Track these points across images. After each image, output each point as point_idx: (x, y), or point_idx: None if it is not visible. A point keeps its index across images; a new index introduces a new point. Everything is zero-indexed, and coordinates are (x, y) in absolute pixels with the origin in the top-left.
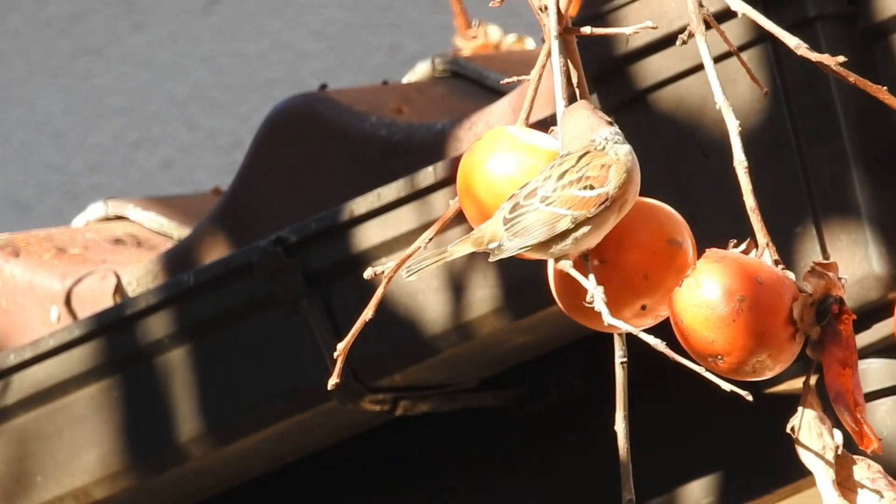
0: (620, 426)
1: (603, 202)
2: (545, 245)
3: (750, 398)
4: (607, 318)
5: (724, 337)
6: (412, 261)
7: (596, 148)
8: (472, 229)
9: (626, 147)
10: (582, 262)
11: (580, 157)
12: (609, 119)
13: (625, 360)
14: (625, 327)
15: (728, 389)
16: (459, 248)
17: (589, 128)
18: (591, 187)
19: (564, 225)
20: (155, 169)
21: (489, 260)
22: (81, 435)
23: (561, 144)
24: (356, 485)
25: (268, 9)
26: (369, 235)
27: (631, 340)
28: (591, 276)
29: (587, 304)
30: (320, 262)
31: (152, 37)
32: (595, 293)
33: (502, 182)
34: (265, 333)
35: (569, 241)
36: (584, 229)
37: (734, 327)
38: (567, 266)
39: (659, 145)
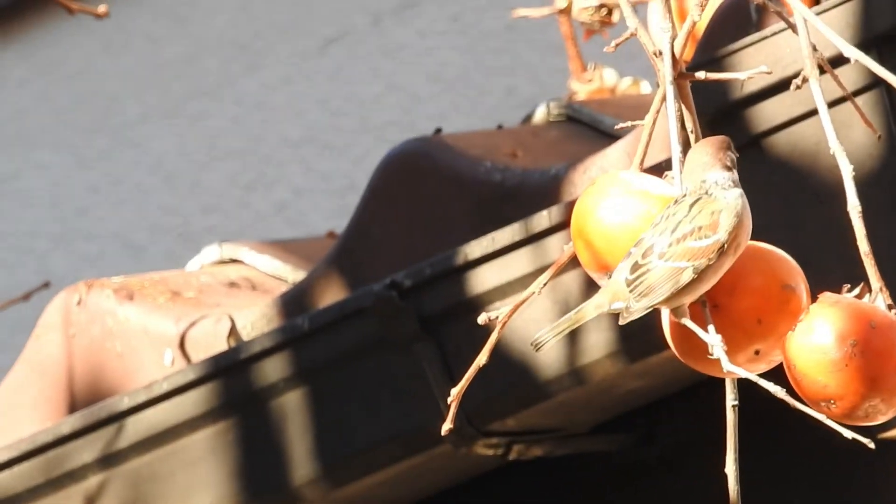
0: (731, 469)
1: (719, 249)
2: (670, 299)
3: (872, 445)
4: (727, 366)
5: (836, 381)
6: (539, 334)
7: (706, 192)
8: (585, 274)
9: (736, 191)
10: (699, 307)
11: (692, 205)
12: (731, 160)
13: (736, 403)
14: (744, 374)
15: (850, 437)
16: (584, 314)
17: (702, 167)
18: (706, 236)
19: (687, 277)
20: (269, 211)
21: (620, 323)
22: (195, 478)
23: (682, 177)
24: None
25: (382, 51)
26: (484, 279)
27: (742, 385)
28: (711, 326)
29: (708, 356)
30: (434, 305)
31: (266, 79)
32: (714, 342)
33: (616, 228)
34: (379, 377)
35: (691, 290)
36: (705, 277)
37: (847, 372)
38: (685, 318)
39: (773, 190)
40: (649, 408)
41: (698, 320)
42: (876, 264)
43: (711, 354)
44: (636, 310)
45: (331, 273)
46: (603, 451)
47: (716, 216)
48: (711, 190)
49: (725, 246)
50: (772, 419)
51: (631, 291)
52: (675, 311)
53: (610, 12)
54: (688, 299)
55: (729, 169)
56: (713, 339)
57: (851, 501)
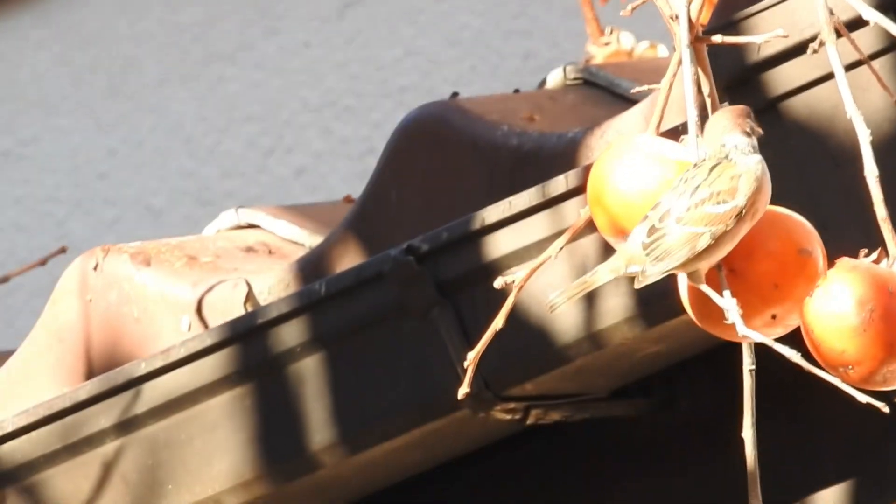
0: (748, 433)
1: (737, 214)
2: (686, 264)
3: (886, 410)
4: (742, 330)
5: (854, 347)
6: (554, 293)
7: (727, 156)
8: (602, 239)
9: (756, 157)
10: (714, 272)
11: (711, 169)
12: (751, 127)
13: (753, 367)
14: (760, 338)
15: (864, 402)
16: (599, 277)
17: (722, 131)
18: (724, 201)
19: (705, 242)
20: (288, 176)
21: (635, 286)
22: (213, 443)
23: (701, 142)
24: (487, 494)
25: (401, 15)
26: (501, 244)
27: (760, 350)
28: (726, 292)
29: (723, 322)
30: (452, 270)
31: (285, 43)
32: (729, 307)
33: (632, 192)
34: (396, 342)
35: (708, 255)
36: (722, 242)
37: (865, 337)
38: (701, 283)
39: (790, 154)
40: (668, 372)
41: (714, 285)
42: (893, 229)
43: (727, 319)
44: (652, 274)
45: (348, 238)
46: (622, 416)
47: (735, 181)
48: (731, 154)
49: (743, 212)
50: (794, 383)
51: (647, 255)
52: (691, 276)
53: None
54: (704, 265)
55: (748, 135)
56: (728, 304)
57: (872, 464)
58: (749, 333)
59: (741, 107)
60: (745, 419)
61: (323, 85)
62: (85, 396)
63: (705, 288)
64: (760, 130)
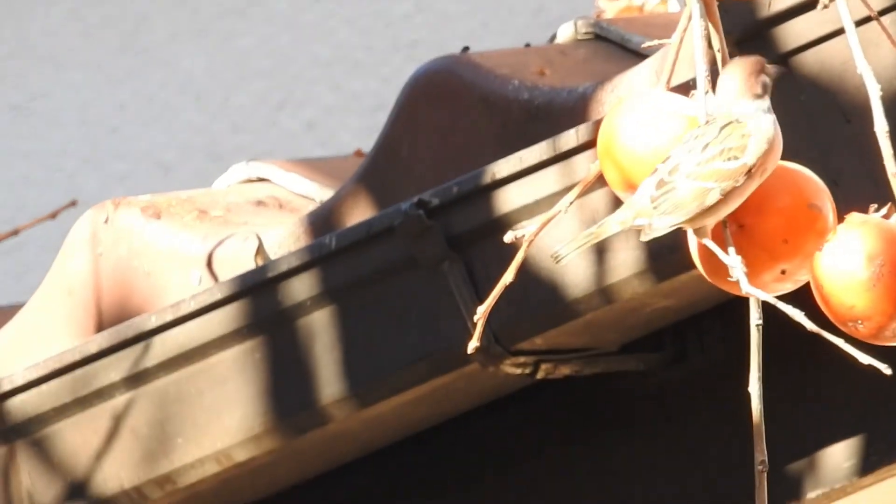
0: (754, 388)
1: (745, 172)
2: (694, 218)
3: (888, 371)
4: (745, 288)
5: (864, 302)
6: (560, 245)
7: (737, 120)
8: (612, 193)
9: (769, 118)
10: (720, 227)
11: (722, 127)
12: (763, 85)
13: (760, 323)
14: (764, 296)
15: (866, 363)
16: (606, 228)
17: (733, 96)
18: (735, 157)
19: (713, 198)
20: (298, 130)
21: (641, 239)
22: (222, 397)
23: (713, 103)
24: (496, 448)
25: None
26: (511, 198)
27: (770, 304)
28: (731, 249)
29: (729, 279)
30: (462, 225)
31: None
32: (733, 263)
33: (642, 147)
34: (406, 296)
35: (716, 211)
36: (730, 198)
37: (875, 292)
38: (707, 239)
39: (800, 110)
40: (679, 327)
41: (721, 241)
42: None
43: (731, 276)
44: (658, 227)
45: (358, 192)
46: (632, 370)
47: (745, 139)
48: (742, 118)
49: (752, 170)
50: (804, 338)
51: (655, 208)
52: (698, 232)
53: None
54: (711, 220)
55: (760, 96)
56: (732, 261)
57: (882, 419)
58: (753, 291)
59: (752, 61)
60: (751, 374)
61: (333, 39)
62: (95, 350)
63: (710, 244)
64: (772, 76)
